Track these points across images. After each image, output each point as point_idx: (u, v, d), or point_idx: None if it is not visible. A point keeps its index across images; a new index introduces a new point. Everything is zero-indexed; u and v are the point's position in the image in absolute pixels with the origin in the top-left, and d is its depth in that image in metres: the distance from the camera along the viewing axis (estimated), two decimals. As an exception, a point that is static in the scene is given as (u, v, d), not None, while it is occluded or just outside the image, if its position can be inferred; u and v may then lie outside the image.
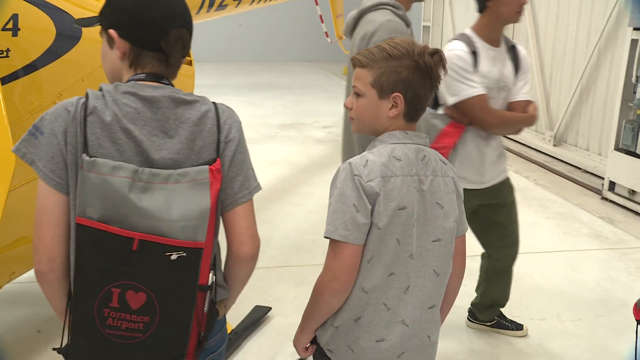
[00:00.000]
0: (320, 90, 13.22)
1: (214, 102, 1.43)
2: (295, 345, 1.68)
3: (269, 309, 3.35)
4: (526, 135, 8.06)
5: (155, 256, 1.24)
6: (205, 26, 17.86)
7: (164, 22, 1.36)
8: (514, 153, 7.45)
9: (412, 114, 1.54)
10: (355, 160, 1.49)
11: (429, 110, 2.62)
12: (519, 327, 3.20)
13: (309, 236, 4.52)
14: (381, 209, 1.46)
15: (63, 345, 1.36)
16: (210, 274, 1.35)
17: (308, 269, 3.94)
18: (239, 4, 4.90)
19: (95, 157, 1.26)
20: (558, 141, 7.41)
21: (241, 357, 2.99)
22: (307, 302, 1.59)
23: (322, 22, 8.90)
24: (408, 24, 2.37)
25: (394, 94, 1.49)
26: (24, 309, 3.33)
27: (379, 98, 1.51)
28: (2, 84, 2.11)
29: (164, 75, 1.41)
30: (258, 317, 3.24)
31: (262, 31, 19.33)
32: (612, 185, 5.50)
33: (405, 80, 1.48)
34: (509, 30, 8.53)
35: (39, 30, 2.34)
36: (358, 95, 1.55)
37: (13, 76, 2.23)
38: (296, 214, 5.00)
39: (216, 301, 1.40)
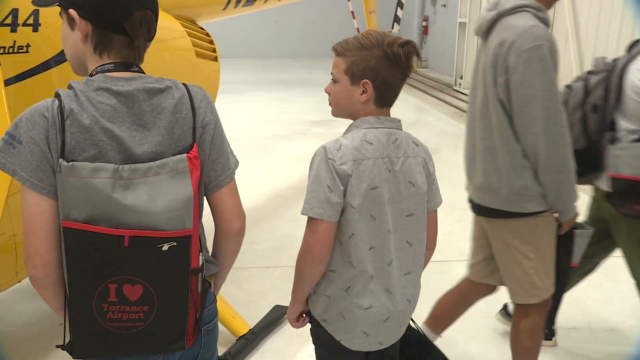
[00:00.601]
0: (353, 87, 13.13)
1: (184, 85, 1.42)
2: (288, 317, 1.85)
3: (289, 308, 3.30)
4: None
5: (147, 250, 1.27)
6: (240, 22, 18.04)
7: (127, 3, 1.32)
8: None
9: (382, 100, 1.67)
10: (329, 144, 1.63)
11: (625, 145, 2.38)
12: (547, 337, 3.07)
13: (333, 235, 4.46)
14: (354, 190, 1.60)
15: (66, 342, 1.38)
16: (200, 255, 1.37)
17: (330, 268, 3.89)
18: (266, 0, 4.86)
19: (74, 160, 1.25)
20: (597, 142, 7.15)
21: (258, 357, 2.97)
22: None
23: (354, 18, 8.81)
24: (548, 25, 2.18)
25: (363, 80, 1.63)
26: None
27: (351, 84, 1.65)
28: (20, 80, 2.13)
29: (132, 61, 1.39)
30: (277, 316, 3.21)
31: (297, 28, 19.35)
32: (652, 189, 5.26)
33: (374, 68, 1.61)
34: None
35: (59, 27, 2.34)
36: (334, 81, 1.70)
37: (32, 72, 2.24)
38: (321, 213, 4.94)
39: (206, 278, 1.45)
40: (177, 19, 3.28)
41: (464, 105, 10.75)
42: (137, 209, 1.25)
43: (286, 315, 1.98)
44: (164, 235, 1.27)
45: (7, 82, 2.05)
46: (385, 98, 1.67)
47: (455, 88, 12.55)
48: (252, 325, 3.03)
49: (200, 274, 1.37)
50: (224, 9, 4.13)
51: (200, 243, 1.40)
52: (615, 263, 4.08)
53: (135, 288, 1.28)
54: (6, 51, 2.07)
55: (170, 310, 1.33)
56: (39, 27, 2.22)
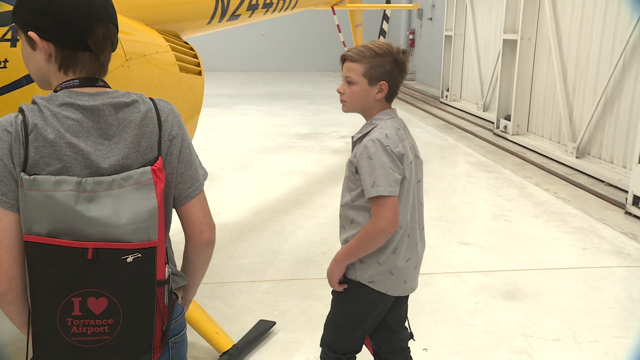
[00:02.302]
0: (341, 99, 13.17)
1: (151, 99, 1.42)
2: (330, 278, 2.11)
3: (273, 323, 3.28)
4: (548, 146, 7.88)
5: (112, 261, 1.26)
6: (228, 35, 18.06)
7: (87, 20, 1.31)
8: (534, 165, 7.28)
9: (391, 97, 2.08)
10: (378, 136, 1.96)
11: None
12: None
13: (318, 249, 4.45)
14: (405, 165, 2.00)
15: (29, 359, 1.35)
16: (167, 267, 1.37)
17: (316, 282, 3.87)
18: (252, 13, 4.87)
19: (36, 174, 1.24)
20: (581, 153, 7.22)
21: (243, 372, 2.93)
22: (350, 245, 2.02)
23: (340, 31, 8.87)
24: None
25: (381, 82, 2.01)
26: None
27: (369, 85, 2.02)
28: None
29: (97, 76, 1.38)
30: (262, 331, 3.18)
31: (285, 41, 19.43)
32: (636, 200, 5.31)
33: (389, 72, 2.01)
34: (531, 37, 8.40)
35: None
36: (351, 83, 2.04)
37: (10, 87, 2.22)
38: (307, 226, 4.93)
39: (174, 290, 1.46)
40: (160, 33, 3.28)
41: (450, 118, 10.83)
42: (101, 221, 1.24)
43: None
44: (128, 247, 1.26)
45: (-13, 98, 2.03)
46: (393, 95, 2.08)
47: (442, 100, 12.64)
48: (236, 341, 3.00)
49: (166, 285, 1.36)
50: (209, 23, 4.14)
51: (167, 255, 1.39)
52: (600, 275, 4.12)
53: (99, 301, 1.26)
54: (-16, 67, 2.05)
55: (136, 322, 1.31)
56: (17, 43, 2.21)
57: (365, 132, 2.05)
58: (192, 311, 2.92)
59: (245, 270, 4.08)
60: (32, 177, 1.23)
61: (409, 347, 2.37)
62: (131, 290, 1.29)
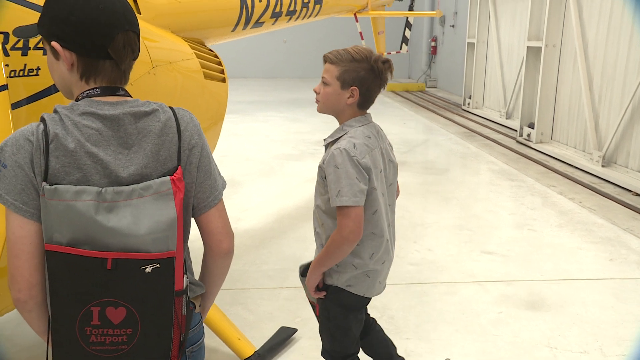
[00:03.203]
0: (362, 107, 13.16)
1: (171, 108, 1.43)
2: (310, 287, 2.15)
3: (295, 330, 3.28)
4: (573, 155, 7.77)
5: (131, 272, 1.27)
6: (250, 43, 18.20)
7: (107, 28, 1.32)
8: (558, 173, 7.18)
9: (363, 104, 2.09)
10: (345, 145, 1.97)
11: None
12: None
13: (340, 256, 4.44)
14: (374, 175, 2.00)
15: None
16: (185, 277, 1.37)
17: (338, 289, 3.86)
18: (275, 21, 4.92)
19: (57, 184, 1.26)
20: (607, 162, 7.10)
21: (264, 379, 2.94)
22: (320, 255, 2.06)
23: (362, 38, 8.87)
24: None
25: (352, 87, 2.02)
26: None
27: (341, 89, 2.03)
28: (31, 102, 2.15)
29: (118, 85, 1.39)
30: (283, 338, 3.18)
31: (307, 48, 19.51)
32: (664, 210, 5.20)
33: (362, 79, 2.01)
34: (556, 44, 8.30)
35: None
36: (325, 84, 2.07)
37: (43, 94, 2.27)
38: (329, 233, 4.92)
39: (191, 299, 1.47)
40: (185, 41, 3.32)
41: (472, 125, 10.74)
42: (121, 231, 1.25)
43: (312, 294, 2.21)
44: (147, 257, 1.27)
45: (19, 104, 2.07)
46: (366, 103, 2.08)
47: (464, 108, 12.55)
48: (257, 347, 3.01)
49: (184, 295, 1.37)
50: (233, 30, 4.18)
51: (185, 265, 1.40)
52: (627, 286, 4.03)
53: (118, 310, 1.27)
54: (17, 74, 2.10)
55: (154, 332, 1.32)
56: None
57: (336, 137, 2.07)
58: (214, 317, 2.94)
59: (267, 276, 4.09)
60: (54, 186, 1.25)
61: (373, 318, 2.53)
62: (149, 301, 1.30)
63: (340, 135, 2.05)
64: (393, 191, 2.21)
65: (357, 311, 2.23)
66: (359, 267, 2.09)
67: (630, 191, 6.28)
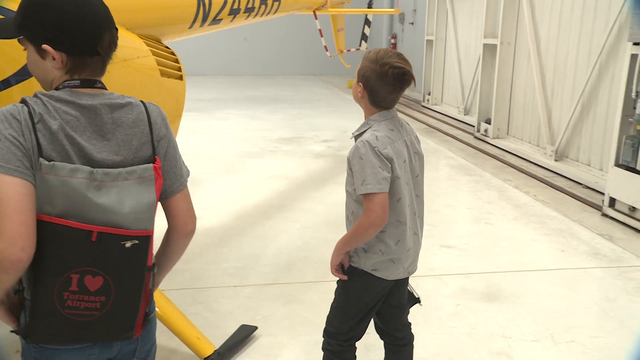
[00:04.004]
0: (323, 104, 13.21)
1: (142, 102, 1.57)
2: (332, 266, 2.27)
3: (255, 328, 3.28)
4: (528, 150, 7.99)
5: (112, 245, 1.40)
6: (210, 40, 18.03)
7: (97, 29, 1.45)
8: (514, 168, 7.37)
9: (374, 102, 2.20)
10: (368, 138, 2.11)
11: None
12: None
13: (301, 253, 4.46)
14: (396, 165, 2.13)
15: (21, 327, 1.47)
16: (152, 255, 1.53)
17: (299, 286, 3.87)
18: (234, 18, 4.88)
19: (52, 160, 1.37)
20: (559, 156, 7.34)
21: (225, 378, 2.93)
22: (346, 236, 2.19)
23: (322, 36, 8.89)
24: None
25: (359, 83, 2.19)
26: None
27: (356, 82, 2.22)
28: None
29: (98, 78, 1.51)
30: (243, 336, 3.18)
31: (267, 45, 19.42)
32: (612, 202, 5.41)
33: (367, 78, 2.16)
34: (510, 41, 8.51)
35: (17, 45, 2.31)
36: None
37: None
38: (290, 231, 4.94)
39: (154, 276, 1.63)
40: (141, 37, 3.27)
41: (431, 121, 10.91)
42: (107, 208, 1.39)
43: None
44: (128, 234, 1.42)
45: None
46: (376, 101, 2.20)
47: (423, 104, 12.74)
48: (218, 346, 3.00)
49: (152, 271, 1.53)
50: (190, 27, 4.14)
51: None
52: (577, 276, 4.19)
53: (96, 279, 1.40)
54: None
55: (125, 302, 1.46)
56: (-2, 46, 2.19)
57: (361, 130, 2.22)
58: (172, 317, 2.92)
59: (227, 275, 4.07)
60: (52, 163, 1.35)
61: (410, 323, 2.56)
62: (125, 273, 1.44)
63: (365, 129, 2.20)
64: (420, 182, 2.32)
65: (379, 294, 2.32)
66: (385, 253, 2.20)
67: (581, 184, 6.51)
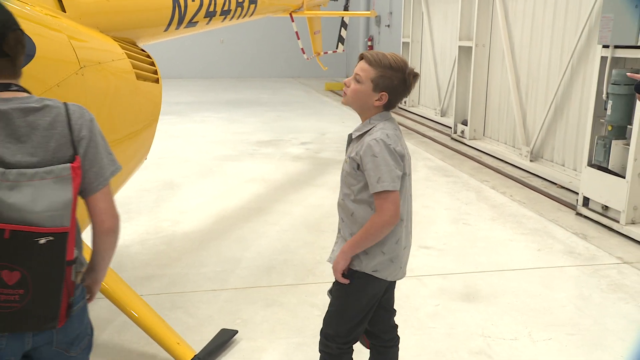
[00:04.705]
0: (301, 106, 13.22)
1: (65, 104, 1.61)
2: (335, 269, 2.24)
3: (235, 332, 3.26)
4: (504, 150, 8.10)
5: (26, 242, 1.48)
6: (186, 42, 17.86)
7: (1, 28, 1.50)
8: (491, 168, 7.47)
9: (388, 107, 2.22)
10: (380, 136, 2.11)
11: None
12: None
13: (280, 256, 4.44)
14: (405, 162, 2.17)
15: None
16: (75, 249, 1.60)
17: (278, 289, 3.86)
18: (210, 21, 4.85)
19: None
20: (534, 157, 7.45)
21: (205, 383, 2.90)
22: (356, 238, 2.17)
23: (299, 38, 8.90)
24: None
25: (382, 92, 2.15)
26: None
27: (372, 90, 2.15)
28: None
29: (11, 81, 1.56)
30: (223, 340, 3.15)
31: (244, 48, 19.36)
32: (586, 201, 5.51)
33: (394, 87, 2.15)
34: (485, 44, 8.63)
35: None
36: (358, 81, 2.17)
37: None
38: (269, 233, 4.92)
39: (80, 271, 1.70)
40: (116, 40, 3.23)
41: (409, 123, 11.00)
42: (20, 207, 1.47)
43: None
44: (42, 231, 1.49)
45: None
46: (390, 106, 2.23)
47: (400, 106, 12.82)
48: (197, 351, 2.97)
49: (74, 265, 1.61)
50: (166, 30, 4.10)
51: (75, 240, 1.60)
52: (553, 274, 4.25)
53: (13, 274, 1.49)
54: None
55: (45, 294, 1.54)
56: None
57: (364, 130, 2.20)
58: (151, 322, 2.88)
59: (207, 279, 4.04)
60: None
61: (397, 325, 2.57)
62: (42, 267, 1.52)
63: (368, 129, 2.18)
64: (410, 181, 2.35)
65: (377, 295, 2.32)
66: (387, 252, 2.21)
67: (555, 184, 6.62)
